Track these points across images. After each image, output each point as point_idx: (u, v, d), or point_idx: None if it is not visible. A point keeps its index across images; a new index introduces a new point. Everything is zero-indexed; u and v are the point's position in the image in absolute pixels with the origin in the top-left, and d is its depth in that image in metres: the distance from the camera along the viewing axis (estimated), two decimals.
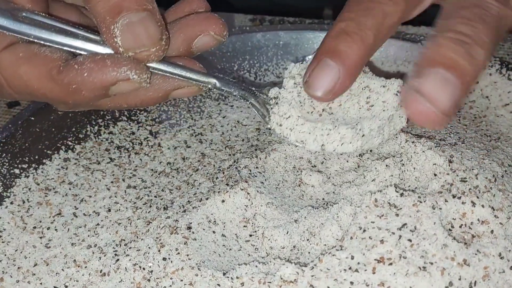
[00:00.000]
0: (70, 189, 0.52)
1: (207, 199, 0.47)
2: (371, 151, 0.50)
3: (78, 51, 0.40)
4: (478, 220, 0.41)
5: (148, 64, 0.40)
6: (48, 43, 0.39)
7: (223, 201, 0.47)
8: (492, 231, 0.40)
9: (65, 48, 0.40)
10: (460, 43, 0.38)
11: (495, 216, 0.41)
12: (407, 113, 0.39)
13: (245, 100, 0.45)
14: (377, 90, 0.43)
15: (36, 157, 0.54)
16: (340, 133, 0.42)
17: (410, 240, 0.39)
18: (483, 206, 0.41)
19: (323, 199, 0.48)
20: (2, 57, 0.40)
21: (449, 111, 0.38)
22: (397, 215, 0.40)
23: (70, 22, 0.41)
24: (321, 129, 0.43)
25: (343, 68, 0.40)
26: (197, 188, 0.50)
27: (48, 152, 0.55)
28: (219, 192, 0.47)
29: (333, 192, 0.48)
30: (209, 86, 0.43)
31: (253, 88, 0.45)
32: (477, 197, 0.41)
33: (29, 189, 0.51)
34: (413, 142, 0.48)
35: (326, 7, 0.99)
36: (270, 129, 0.46)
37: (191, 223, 0.45)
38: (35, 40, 0.39)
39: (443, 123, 0.38)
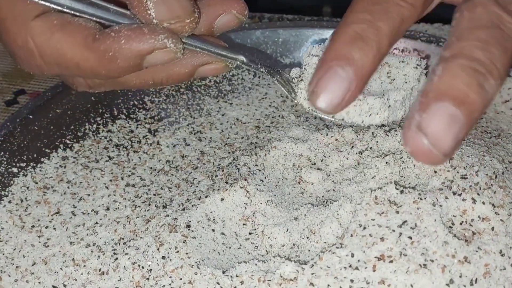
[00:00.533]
0: (68, 187, 0.51)
1: (206, 197, 0.47)
2: (370, 148, 0.50)
3: (110, 24, 0.40)
4: (479, 217, 0.41)
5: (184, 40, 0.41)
6: (80, 14, 0.40)
7: (222, 199, 0.46)
8: (493, 228, 0.40)
9: (97, 20, 0.40)
10: (474, 73, 0.33)
11: (495, 213, 0.40)
12: (406, 149, 0.34)
13: (271, 77, 0.45)
14: (396, 65, 0.43)
15: (35, 155, 0.53)
16: (368, 104, 0.41)
17: (410, 238, 0.38)
18: (483, 203, 0.41)
19: (323, 196, 0.48)
20: (34, 24, 0.40)
21: (452, 152, 0.33)
22: (397, 212, 0.40)
23: None
24: None
25: (356, 79, 0.35)
26: (196, 186, 0.49)
27: (47, 150, 0.54)
28: (218, 190, 0.47)
29: (333, 190, 0.48)
30: (238, 62, 0.44)
31: (275, 67, 0.46)
32: (478, 194, 0.41)
33: (27, 187, 0.51)
34: None
35: (325, 4, 0.99)
36: (297, 104, 0.45)
37: (190, 221, 0.45)
38: (67, 11, 0.39)
39: (443, 163, 0.35)
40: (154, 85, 0.45)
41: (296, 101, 0.45)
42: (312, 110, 0.44)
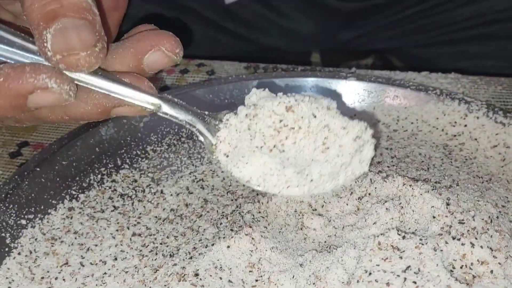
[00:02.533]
0: (75, 238, 0.52)
1: (212, 245, 0.48)
2: (369, 194, 0.52)
3: (10, 61, 0.37)
4: (478, 260, 0.42)
5: (83, 78, 0.38)
6: None
7: (228, 246, 0.47)
8: (491, 271, 0.42)
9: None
10: None
11: (493, 256, 0.42)
12: None
13: (191, 127, 0.41)
14: (336, 132, 0.41)
15: (42, 207, 0.54)
16: (286, 176, 0.40)
17: (415, 282, 0.40)
18: (481, 247, 0.43)
19: (325, 242, 0.49)
20: None
21: None
22: (401, 257, 0.42)
23: (8, 27, 0.38)
24: (269, 167, 0.41)
25: None
26: (202, 234, 0.51)
27: (53, 201, 0.55)
28: (224, 237, 0.48)
29: (335, 235, 0.49)
30: (152, 107, 0.40)
31: (206, 113, 0.42)
32: (476, 238, 0.43)
33: (36, 239, 0.52)
34: (410, 185, 0.49)
35: (313, 51, 1.02)
36: (215, 159, 0.42)
37: (198, 269, 0.46)
38: None
39: None
40: (72, 121, 0.42)
41: (214, 156, 0.41)
42: (227, 170, 0.41)
